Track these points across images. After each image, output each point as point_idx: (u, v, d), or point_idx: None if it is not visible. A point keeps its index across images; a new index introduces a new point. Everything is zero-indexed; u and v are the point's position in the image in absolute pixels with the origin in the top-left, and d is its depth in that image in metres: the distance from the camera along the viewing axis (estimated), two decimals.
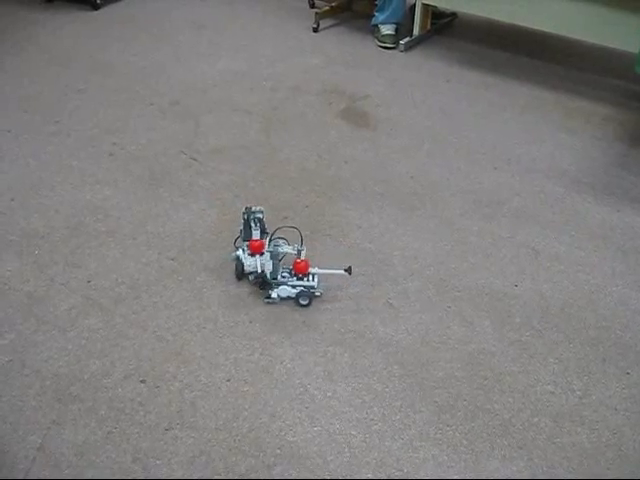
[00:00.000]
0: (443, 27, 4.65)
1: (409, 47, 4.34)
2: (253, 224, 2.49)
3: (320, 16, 4.52)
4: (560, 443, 2.04)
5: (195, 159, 3.18)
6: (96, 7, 4.63)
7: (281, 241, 2.51)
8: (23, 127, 3.35)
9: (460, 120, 3.64)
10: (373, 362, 2.25)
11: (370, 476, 1.92)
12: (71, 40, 4.24)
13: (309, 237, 2.74)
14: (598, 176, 3.22)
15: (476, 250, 2.74)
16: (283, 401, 2.11)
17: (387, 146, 3.37)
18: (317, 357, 2.26)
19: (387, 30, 4.34)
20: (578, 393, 2.19)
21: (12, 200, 2.87)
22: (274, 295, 2.43)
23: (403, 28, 4.41)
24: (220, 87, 3.81)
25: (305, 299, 2.43)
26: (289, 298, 2.44)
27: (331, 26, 4.61)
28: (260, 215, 2.51)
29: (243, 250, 2.50)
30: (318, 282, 2.46)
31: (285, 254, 2.48)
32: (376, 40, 4.39)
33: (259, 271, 2.44)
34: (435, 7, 4.41)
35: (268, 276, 2.44)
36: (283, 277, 2.46)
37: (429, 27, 4.51)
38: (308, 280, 2.45)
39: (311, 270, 2.47)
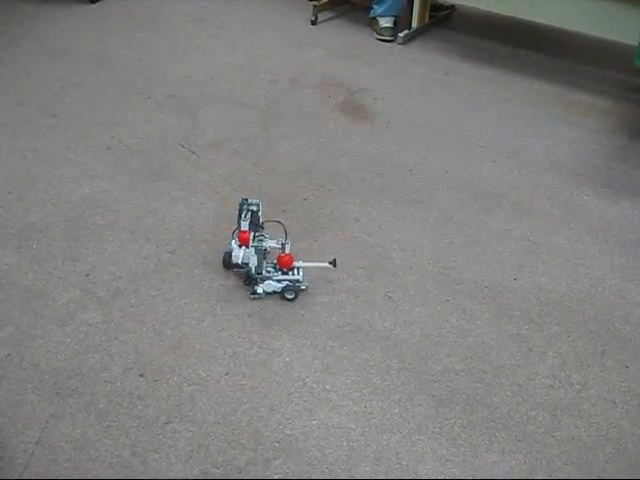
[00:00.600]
0: (442, 20, 4.64)
1: (407, 40, 4.33)
2: (243, 215, 2.46)
3: (318, 9, 4.50)
4: (559, 436, 2.04)
5: (193, 152, 3.17)
6: (93, 0, 4.61)
7: (267, 236, 2.49)
8: (20, 120, 3.34)
9: (459, 113, 3.63)
10: (372, 355, 2.25)
11: (368, 469, 1.92)
12: (68, 33, 4.23)
13: (307, 230, 2.74)
14: (597, 169, 3.22)
15: (475, 243, 2.74)
16: (282, 394, 2.11)
17: (385, 139, 3.37)
18: (316, 350, 2.26)
19: (385, 23, 4.32)
20: (577, 387, 2.19)
21: (9, 193, 2.86)
22: (259, 290, 2.42)
23: (401, 21, 4.40)
24: (218, 80, 3.80)
25: (291, 293, 2.42)
26: (275, 293, 2.43)
27: (329, 19, 4.59)
28: (254, 208, 2.49)
29: (236, 241, 2.49)
30: (303, 276, 2.44)
31: (267, 249, 2.46)
32: (374, 33, 4.38)
33: (239, 262, 2.42)
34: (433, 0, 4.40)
35: (253, 271, 2.42)
36: (268, 272, 2.44)
37: (427, 20, 4.49)
38: (293, 274, 2.44)
39: (296, 264, 2.45)
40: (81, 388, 2.09)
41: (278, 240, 2.45)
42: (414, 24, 4.37)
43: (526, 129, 3.50)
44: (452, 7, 4.70)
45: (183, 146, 3.21)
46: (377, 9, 4.35)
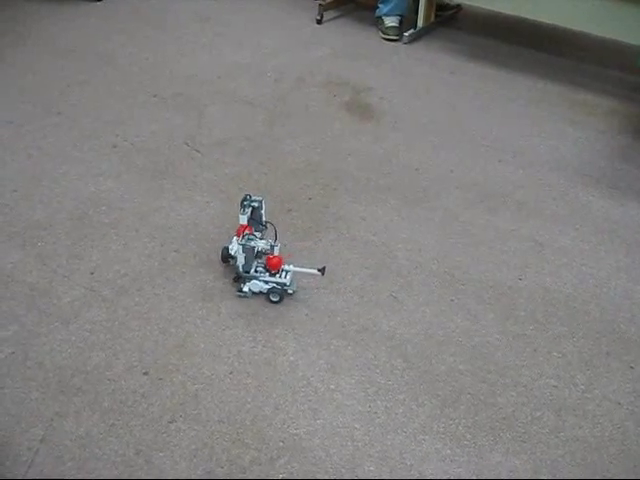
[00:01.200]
0: (447, 19, 4.63)
1: (413, 39, 4.33)
2: (242, 209, 2.45)
3: (324, 8, 4.51)
4: (563, 437, 2.03)
5: (198, 151, 3.17)
6: None
7: (258, 235, 2.47)
8: (25, 118, 3.34)
9: (464, 112, 3.63)
10: (376, 355, 2.25)
11: (373, 469, 1.92)
12: (74, 31, 4.23)
13: (313, 229, 2.73)
14: (602, 169, 3.21)
15: (480, 243, 2.73)
16: (286, 394, 2.11)
17: (391, 138, 3.36)
18: (320, 350, 2.26)
19: (391, 22, 4.32)
20: (581, 387, 2.19)
21: (15, 191, 2.86)
22: (245, 289, 2.42)
23: (407, 20, 4.39)
24: (224, 79, 3.80)
25: (276, 296, 2.40)
26: (261, 293, 2.43)
27: (335, 18, 4.59)
28: (256, 204, 2.49)
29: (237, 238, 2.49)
30: (291, 280, 2.42)
31: (259, 249, 2.43)
32: (380, 32, 4.38)
33: (234, 254, 2.43)
34: None
35: (240, 269, 2.42)
36: (257, 272, 2.43)
37: (433, 19, 4.49)
38: (281, 277, 2.42)
39: (284, 267, 2.44)
40: (85, 386, 2.10)
41: (267, 241, 2.44)
42: (420, 23, 4.36)
43: (531, 129, 3.49)
44: (458, 7, 4.70)
45: (188, 145, 3.21)
46: (382, 8, 4.35)
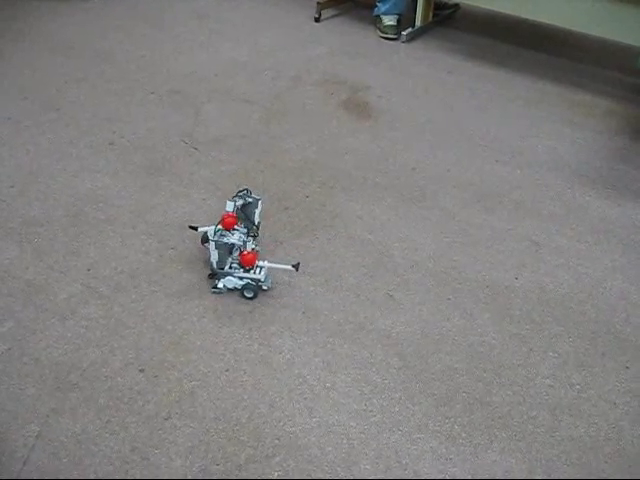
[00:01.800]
0: (445, 18, 4.64)
1: (411, 38, 4.33)
2: (229, 199, 2.44)
3: (322, 6, 4.50)
4: (559, 436, 2.04)
5: (195, 148, 3.17)
6: None
7: (243, 231, 2.44)
8: (23, 115, 3.34)
9: (462, 112, 3.63)
10: (372, 353, 2.25)
11: (368, 467, 1.92)
12: (72, 29, 4.22)
13: (309, 227, 2.74)
14: (599, 170, 3.22)
15: (477, 242, 2.74)
16: (282, 392, 2.11)
17: (388, 137, 3.36)
18: (316, 348, 2.26)
19: (389, 21, 4.32)
20: (577, 387, 2.19)
21: (12, 187, 2.86)
22: (220, 285, 2.42)
23: (405, 19, 4.39)
24: (221, 77, 3.80)
25: (250, 292, 2.40)
26: (235, 289, 2.42)
27: (333, 16, 4.59)
28: (250, 199, 2.48)
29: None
30: (266, 276, 2.41)
31: (234, 245, 2.41)
32: (378, 31, 4.38)
33: (205, 233, 2.43)
34: None
35: (214, 265, 2.42)
36: (231, 268, 2.43)
37: (431, 18, 4.49)
38: (255, 273, 2.41)
39: (259, 263, 2.43)
40: (81, 383, 2.09)
41: (240, 237, 2.42)
42: (418, 22, 4.37)
43: (529, 129, 3.50)
44: (456, 6, 4.70)
45: (185, 142, 3.21)
46: (381, 7, 4.35)
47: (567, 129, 3.51)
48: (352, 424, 2.03)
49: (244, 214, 2.48)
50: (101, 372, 2.13)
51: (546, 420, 2.08)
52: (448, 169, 3.15)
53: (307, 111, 3.53)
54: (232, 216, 2.42)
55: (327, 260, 2.58)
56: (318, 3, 4.49)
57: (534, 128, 3.50)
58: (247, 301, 2.40)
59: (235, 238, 2.41)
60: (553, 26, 4.22)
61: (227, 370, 2.16)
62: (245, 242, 2.41)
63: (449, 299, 2.48)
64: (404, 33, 4.30)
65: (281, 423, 2.02)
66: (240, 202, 2.45)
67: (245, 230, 2.46)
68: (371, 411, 2.07)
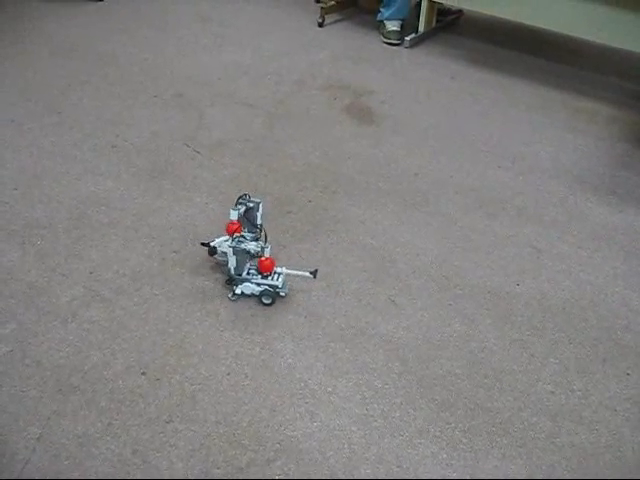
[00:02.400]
0: (449, 24, 4.65)
1: (414, 44, 4.34)
2: (233, 206, 2.45)
3: (326, 11, 4.51)
4: (559, 443, 2.04)
5: (198, 152, 3.18)
6: None
7: (249, 237, 2.45)
8: (26, 117, 3.35)
9: (464, 118, 3.63)
10: (374, 358, 2.25)
11: (369, 472, 1.92)
12: (75, 31, 4.23)
13: (312, 232, 2.74)
14: (601, 176, 3.22)
15: (478, 248, 2.74)
16: (283, 396, 2.11)
17: (391, 142, 3.37)
18: (318, 352, 2.26)
19: (392, 26, 4.33)
20: (578, 393, 2.19)
21: (15, 190, 2.86)
22: (238, 291, 2.41)
23: (408, 24, 4.41)
24: (224, 80, 3.81)
25: (268, 298, 2.40)
26: (253, 295, 2.42)
27: (336, 21, 4.60)
28: (252, 204, 2.49)
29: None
30: (283, 282, 2.41)
31: (251, 251, 2.41)
32: (381, 36, 4.39)
33: (212, 244, 2.43)
34: (441, 4, 4.41)
35: (232, 272, 2.42)
36: (249, 274, 2.43)
37: (435, 24, 4.50)
38: (273, 279, 2.41)
39: (276, 269, 2.43)
40: (83, 385, 2.10)
41: (258, 243, 2.43)
42: (421, 28, 4.37)
43: (531, 135, 3.50)
44: (459, 12, 4.71)
45: (188, 145, 3.22)
46: (384, 12, 4.36)
47: (569, 135, 3.51)
48: (353, 429, 2.03)
49: (247, 219, 2.49)
50: (103, 375, 2.13)
51: (547, 426, 2.08)
52: (450, 174, 3.16)
53: (310, 116, 3.54)
54: (236, 224, 2.43)
55: (329, 265, 2.59)
56: (322, 8, 4.51)
57: (536, 134, 3.51)
58: (249, 305, 2.41)
59: (253, 245, 2.42)
60: (556, 33, 4.23)
61: (228, 374, 2.17)
62: (263, 248, 2.41)
63: (450, 304, 2.48)
64: (407, 39, 4.31)
65: (282, 427, 2.02)
66: (242, 209, 2.46)
67: (250, 235, 2.47)
68: (372, 416, 2.07)
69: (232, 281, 2.44)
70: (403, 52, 4.27)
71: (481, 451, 2.00)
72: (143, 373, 2.15)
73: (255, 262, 2.44)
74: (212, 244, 2.46)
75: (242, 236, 2.43)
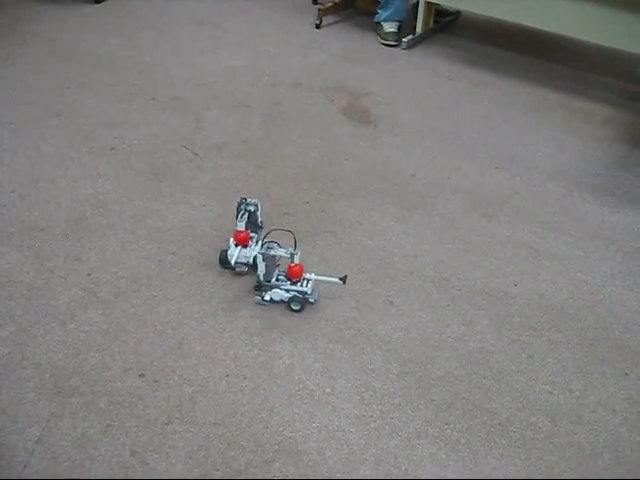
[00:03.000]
0: (446, 25, 4.64)
1: (412, 45, 4.34)
2: (240, 215, 2.46)
3: (323, 12, 4.51)
4: (558, 443, 2.04)
5: (196, 154, 3.18)
6: (98, 1, 4.62)
7: (275, 244, 2.44)
8: (25, 119, 3.35)
9: (462, 119, 3.64)
10: (372, 359, 2.26)
11: (368, 473, 1.92)
12: (73, 34, 4.23)
13: (310, 233, 2.74)
14: (599, 177, 3.22)
15: (476, 249, 2.74)
16: (282, 397, 2.11)
17: (388, 144, 3.37)
18: (316, 354, 2.26)
19: (390, 27, 4.33)
20: (576, 393, 2.19)
21: (13, 192, 2.86)
22: (267, 297, 2.41)
23: (406, 26, 4.40)
24: (221, 82, 3.81)
25: (297, 305, 2.40)
26: (282, 302, 2.42)
27: (334, 23, 4.60)
28: (252, 208, 2.49)
29: (233, 240, 2.49)
30: (312, 289, 2.40)
31: (279, 257, 2.42)
32: (379, 37, 4.39)
33: (233, 262, 2.43)
34: (438, 5, 4.41)
35: (261, 278, 2.41)
36: (278, 280, 2.42)
37: (432, 25, 4.50)
38: (302, 285, 2.41)
39: (305, 276, 2.43)
40: (82, 387, 2.10)
41: (287, 249, 2.41)
42: (418, 29, 4.37)
43: (529, 136, 3.50)
44: (457, 13, 4.71)
45: (186, 147, 3.22)
46: (382, 14, 4.36)
47: (566, 136, 3.52)
48: (352, 429, 2.03)
49: (251, 223, 2.50)
50: (101, 377, 2.14)
51: (545, 426, 2.08)
52: (448, 175, 3.16)
53: (307, 117, 3.54)
54: (244, 232, 2.45)
55: (327, 266, 2.59)
56: (319, 9, 4.50)
57: (534, 135, 3.51)
58: (247, 307, 2.41)
59: (282, 251, 2.40)
60: (553, 34, 4.23)
61: (227, 375, 2.17)
62: (292, 254, 2.40)
63: (448, 305, 2.48)
64: (405, 40, 4.30)
65: (281, 428, 2.02)
66: (246, 215, 2.46)
67: (255, 236, 2.50)
68: (371, 416, 2.08)
69: (261, 287, 2.42)
70: (401, 53, 4.28)
71: (480, 451, 2.00)
72: (141, 375, 2.15)
73: (284, 268, 2.43)
74: (231, 260, 2.44)
75: (271, 241, 2.42)
